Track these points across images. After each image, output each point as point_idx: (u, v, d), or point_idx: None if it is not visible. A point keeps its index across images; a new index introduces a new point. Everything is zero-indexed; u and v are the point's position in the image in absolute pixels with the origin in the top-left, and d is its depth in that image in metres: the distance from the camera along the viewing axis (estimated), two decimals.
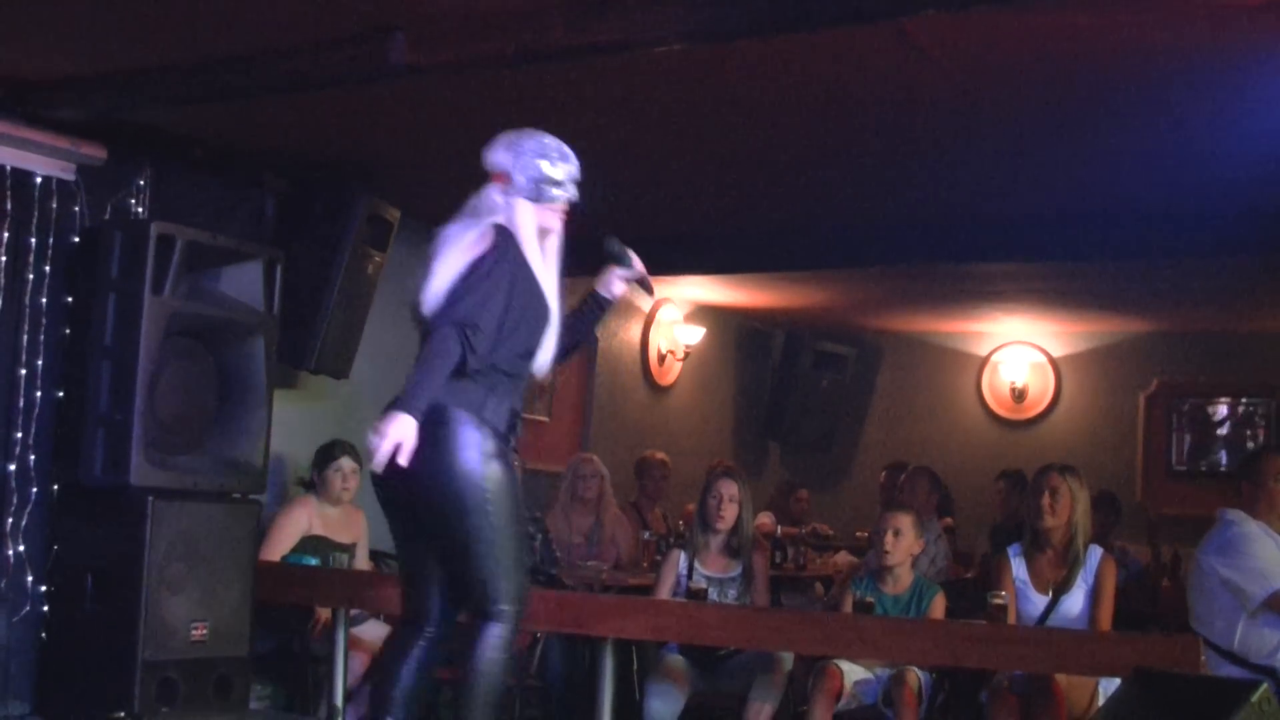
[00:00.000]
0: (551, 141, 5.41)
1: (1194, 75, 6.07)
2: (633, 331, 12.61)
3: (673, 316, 13.00)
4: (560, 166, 5.38)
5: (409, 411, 5.04)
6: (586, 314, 5.73)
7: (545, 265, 5.41)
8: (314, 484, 8.28)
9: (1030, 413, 13.86)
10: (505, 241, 5.25)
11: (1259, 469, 6.79)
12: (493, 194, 5.37)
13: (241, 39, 6.30)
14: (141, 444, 6.93)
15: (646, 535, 9.96)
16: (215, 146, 8.08)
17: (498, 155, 5.41)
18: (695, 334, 13.08)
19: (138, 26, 6.21)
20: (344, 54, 6.16)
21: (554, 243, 5.48)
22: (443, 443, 5.18)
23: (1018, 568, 7.13)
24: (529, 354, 5.40)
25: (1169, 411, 13.25)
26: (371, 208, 8.40)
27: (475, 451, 5.19)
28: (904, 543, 7.40)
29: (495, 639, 5.25)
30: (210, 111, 7.27)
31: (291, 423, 8.51)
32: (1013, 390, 13.90)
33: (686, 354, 13.15)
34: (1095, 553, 7.08)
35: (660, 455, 11.05)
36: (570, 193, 5.42)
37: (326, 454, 8.25)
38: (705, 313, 13.30)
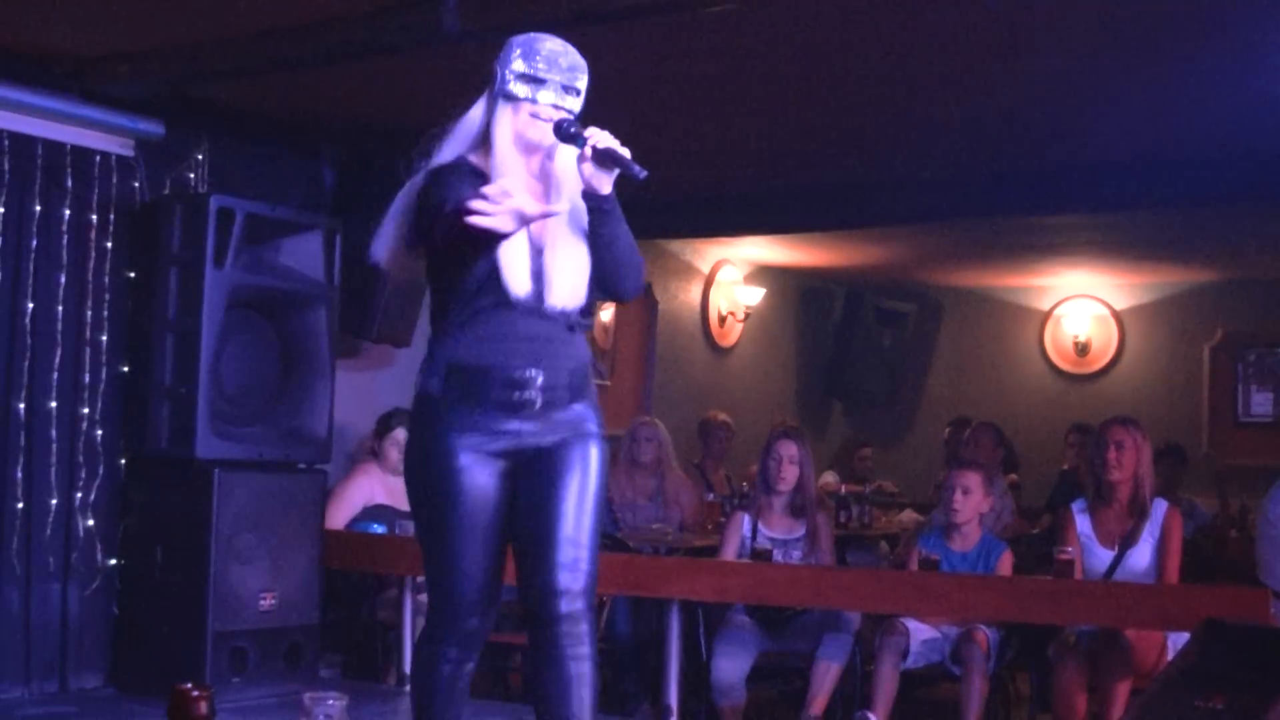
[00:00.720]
0: (541, 36, 4.48)
1: (1249, 18, 6.01)
2: (693, 293, 12.61)
3: (732, 277, 12.98)
4: (536, 61, 4.38)
5: None
6: (589, 224, 4.41)
7: (529, 184, 4.36)
8: (376, 453, 8.32)
9: (1094, 366, 13.79)
10: (435, 177, 4.49)
11: None
12: (478, 103, 4.57)
13: (294, 9, 6.30)
14: (206, 416, 6.98)
15: (711, 497, 9.95)
16: (272, 118, 8.11)
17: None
18: (755, 294, 13.05)
19: (191, 2, 6.23)
20: (397, 21, 6.16)
21: (558, 165, 4.46)
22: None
23: (1083, 522, 7.10)
24: (485, 284, 4.32)
25: (1234, 361, 13.15)
26: None
27: (417, 436, 4.52)
28: (972, 501, 7.38)
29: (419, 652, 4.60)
30: (265, 83, 7.30)
31: (355, 392, 8.55)
32: (1075, 344, 13.83)
33: (747, 315, 13.13)
34: (1161, 506, 7.04)
35: (723, 416, 11.05)
36: (551, 94, 4.37)
37: (385, 424, 8.28)
38: (765, 273, 13.27)
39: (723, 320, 12.98)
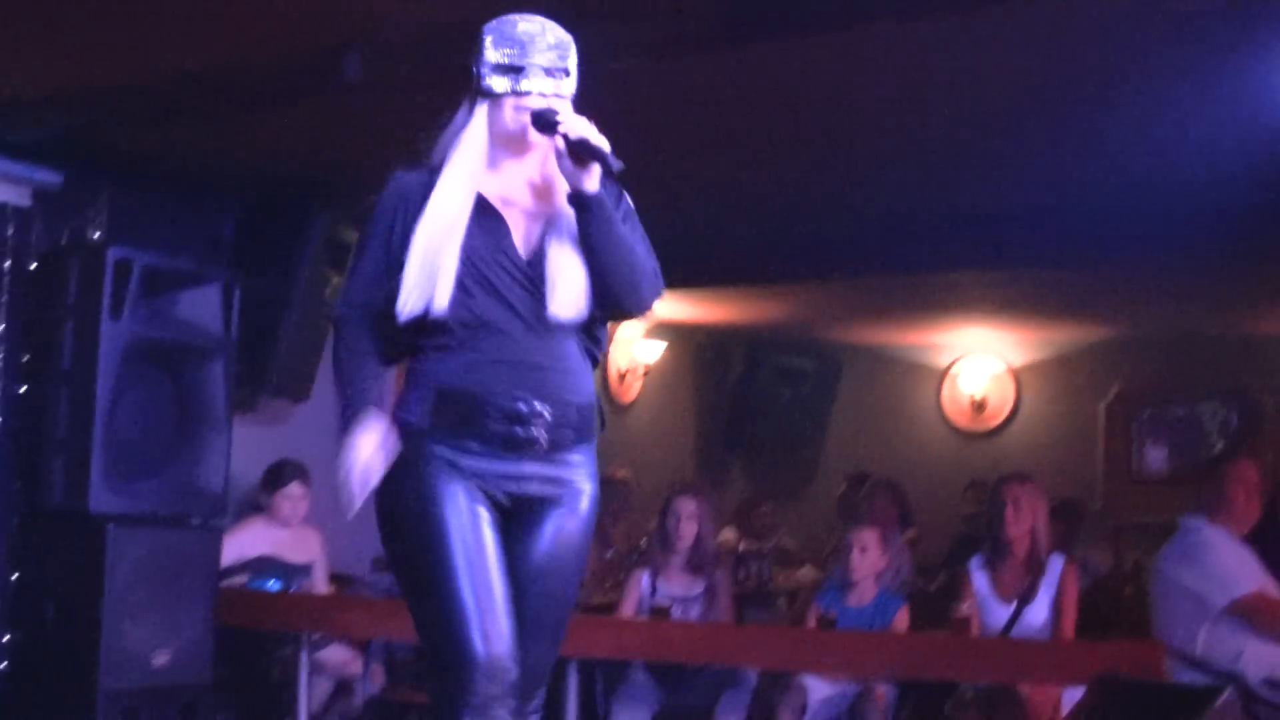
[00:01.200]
0: (513, 16, 3.90)
1: (1155, 75, 6.10)
2: None
3: (632, 334, 12.99)
4: (510, 47, 3.83)
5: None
6: (577, 227, 3.83)
7: (529, 186, 3.91)
8: (262, 506, 8.25)
9: (990, 423, 13.88)
10: (389, 191, 4.06)
11: (1219, 475, 6.82)
12: (460, 113, 4.02)
13: (197, 58, 6.27)
14: (101, 470, 6.90)
15: (609, 554, 9.93)
16: (172, 168, 8.05)
17: None
18: (655, 350, 13.05)
19: (91, 47, 6.19)
20: (300, 71, 6.15)
21: (541, 162, 3.93)
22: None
23: (980, 579, 7.14)
24: (420, 301, 3.74)
25: (1129, 418, 13.26)
26: (329, 229, 8.38)
27: (397, 478, 3.80)
28: (869, 559, 7.41)
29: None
30: (167, 132, 7.26)
31: (251, 445, 8.47)
32: (972, 401, 13.92)
33: (647, 371, 13.13)
34: (1057, 562, 7.09)
35: (622, 473, 11.03)
36: (536, 81, 3.82)
37: (275, 477, 8.22)
38: (664, 329, 13.28)
39: (622, 377, 12.96)
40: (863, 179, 8.00)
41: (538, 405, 3.77)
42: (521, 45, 3.82)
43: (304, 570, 8.16)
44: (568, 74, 3.89)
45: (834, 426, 14.67)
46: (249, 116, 6.87)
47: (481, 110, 3.89)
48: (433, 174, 3.92)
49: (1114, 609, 9.45)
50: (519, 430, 3.76)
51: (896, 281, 10.54)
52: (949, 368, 14.09)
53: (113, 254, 6.99)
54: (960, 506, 11.39)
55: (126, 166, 7.84)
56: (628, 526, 10.96)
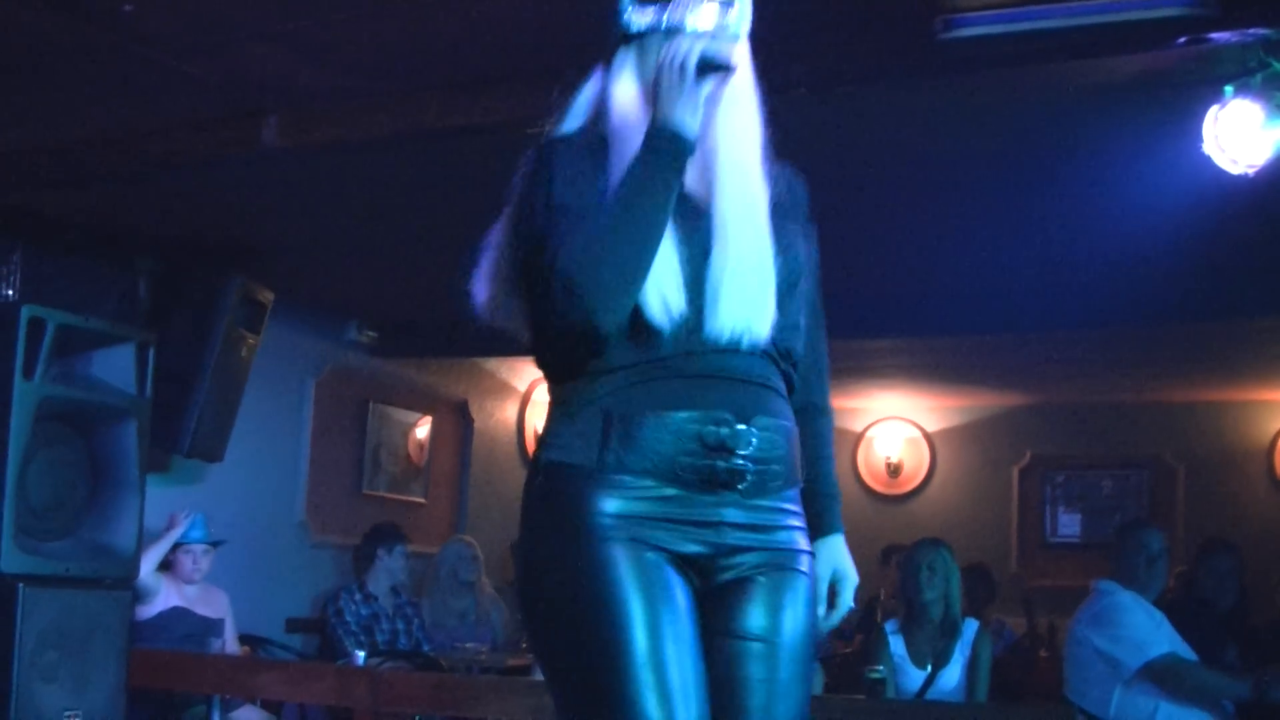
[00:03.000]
0: None
1: (1065, 151, 6.19)
2: (509, 411, 12.57)
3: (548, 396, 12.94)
4: None
5: None
6: None
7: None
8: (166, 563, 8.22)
9: (905, 488, 13.93)
10: (546, 150, 3.02)
11: (1130, 540, 6.87)
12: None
13: (113, 120, 6.26)
14: (12, 530, 6.82)
15: (521, 616, 9.90)
16: (87, 228, 8.02)
17: None
18: None
19: (6, 110, 6.17)
20: (216, 135, 6.14)
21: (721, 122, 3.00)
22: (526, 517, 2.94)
23: (895, 643, 7.17)
24: (640, 316, 2.81)
25: (1043, 484, 13.38)
26: (244, 290, 8.36)
27: (551, 533, 2.84)
28: None
29: None
30: (82, 193, 7.23)
31: (165, 506, 8.41)
32: (888, 465, 13.97)
33: None
34: (971, 626, 7.14)
35: None
36: (699, 11, 2.89)
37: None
38: None
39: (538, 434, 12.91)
40: None
41: (740, 427, 2.83)
42: None
43: (216, 625, 8.12)
44: (733, 4, 2.95)
45: None
46: (165, 180, 6.86)
47: (624, 60, 3.00)
48: (602, 141, 2.97)
49: (1028, 672, 9.50)
50: (721, 462, 2.82)
51: None
52: (864, 431, 14.14)
53: (26, 313, 6.93)
54: (874, 570, 11.42)
55: (40, 226, 7.80)
56: None
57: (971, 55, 4.89)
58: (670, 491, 2.80)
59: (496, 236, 3.15)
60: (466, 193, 7.06)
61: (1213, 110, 5.09)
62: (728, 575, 2.89)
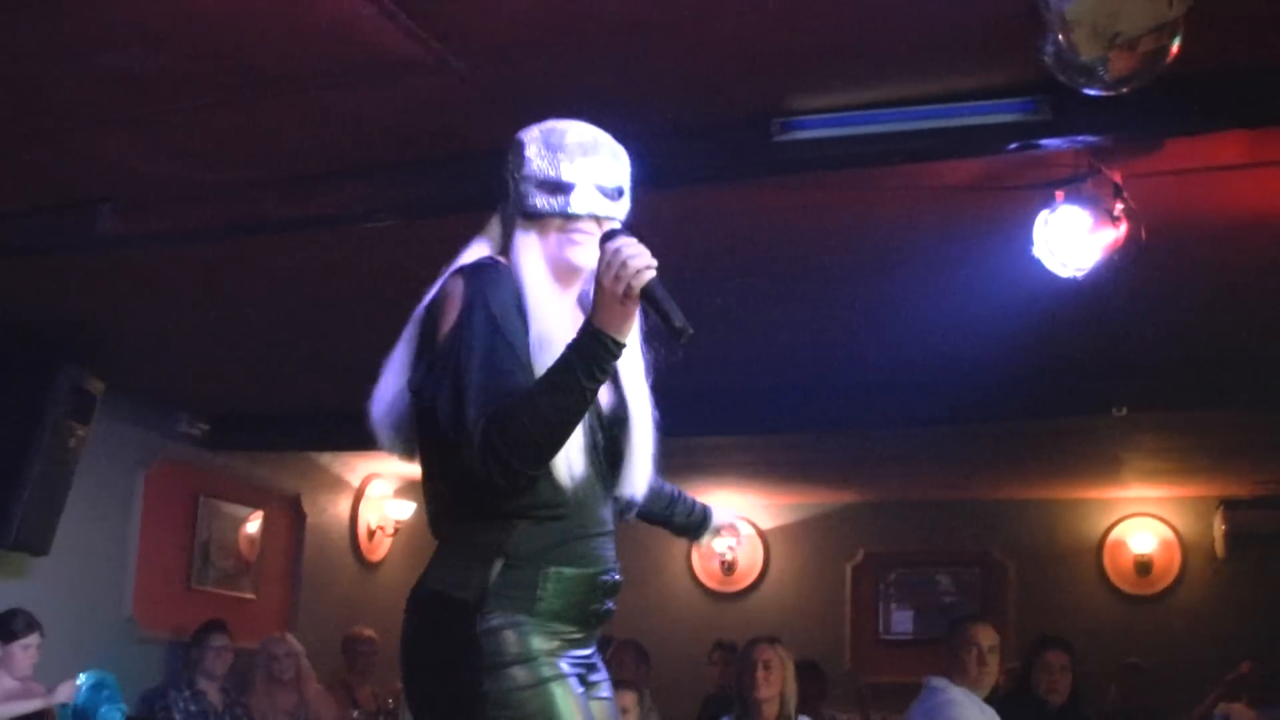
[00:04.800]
0: (563, 123, 3.36)
1: (897, 250, 6.28)
2: (342, 506, 12.47)
3: (383, 491, 12.88)
4: (564, 158, 3.28)
5: None
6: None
7: (572, 319, 3.23)
8: None
9: (740, 585, 13.94)
10: (482, 282, 3.22)
11: (961, 637, 6.92)
12: (490, 223, 3.44)
13: None
14: None
15: (355, 714, 9.80)
16: None
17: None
18: (406, 509, 12.94)
19: None
20: (50, 221, 6.06)
21: (580, 296, 3.41)
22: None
23: None
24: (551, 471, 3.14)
25: (876, 580, 13.49)
26: (74, 379, 8.24)
27: (508, 689, 3.13)
28: None
29: None
30: None
31: None
32: (722, 563, 13.98)
33: (397, 529, 13.00)
34: None
35: (369, 632, 10.91)
36: (588, 201, 3.27)
37: (8, 628, 7.97)
38: (415, 487, 13.10)
39: (372, 534, 12.83)
40: None
41: (619, 579, 3.35)
42: (576, 155, 3.29)
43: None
44: (622, 194, 3.36)
45: None
46: None
47: (526, 238, 3.31)
48: (515, 285, 3.23)
49: None
50: (607, 606, 3.33)
51: None
52: None
53: None
54: (705, 668, 11.46)
55: None
56: (374, 687, 10.83)
57: (808, 156, 4.97)
58: (576, 634, 3.27)
59: (402, 357, 3.39)
60: (304, 286, 7.05)
61: (1043, 214, 5.20)
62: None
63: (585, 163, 3.28)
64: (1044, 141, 4.80)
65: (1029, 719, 7.02)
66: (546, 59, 4.65)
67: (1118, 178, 5.15)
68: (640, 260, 2.99)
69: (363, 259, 6.65)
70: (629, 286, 2.97)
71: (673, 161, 5.13)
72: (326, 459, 12.04)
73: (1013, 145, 4.83)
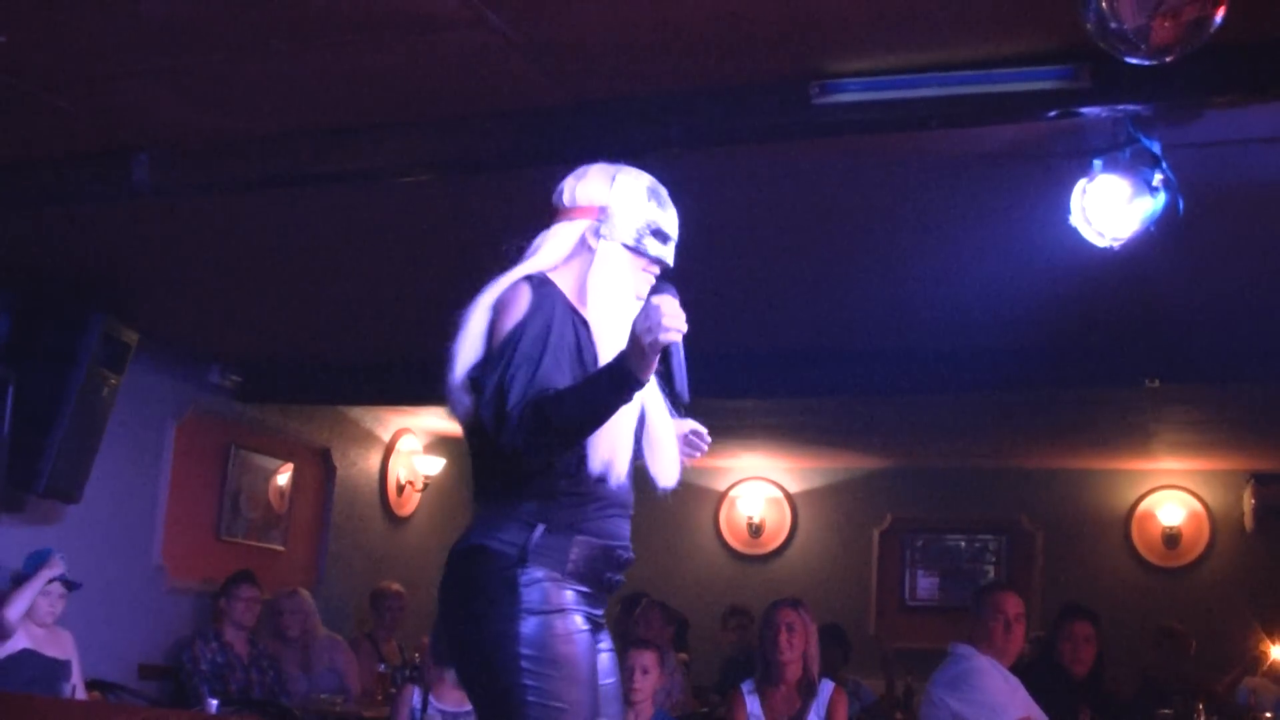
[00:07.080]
0: (656, 182, 3.97)
1: (931, 215, 6.25)
2: (372, 461, 12.51)
3: (413, 447, 12.92)
4: (667, 214, 3.93)
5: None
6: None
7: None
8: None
9: (767, 547, 13.97)
10: (543, 296, 3.76)
11: (987, 604, 6.91)
12: (569, 231, 3.94)
13: None
14: None
15: (382, 667, 9.83)
16: None
17: (588, 184, 3.95)
18: (435, 465, 12.99)
19: None
20: (86, 171, 6.06)
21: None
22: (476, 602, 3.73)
23: (752, 703, 7.17)
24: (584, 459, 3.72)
25: (902, 546, 13.50)
26: (107, 328, 8.25)
27: (544, 631, 3.67)
28: (650, 680, 7.40)
29: None
30: None
31: (19, 547, 8.27)
32: (750, 525, 14.01)
33: (426, 484, 13.05)
34: (827, 686, 7.16)
35: (396, 586, 10.95)
36: (670, 252, 3.96)
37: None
38: (445, 443, 13.22)
39: (401, 489, 12.88)
40: None
41: (630, 554, 3.97)
42: (672, 215, 3.96)
43: (64, 667, 7.97)
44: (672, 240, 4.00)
45: None
46: (31, 214, 6.76)
47: (621, 262, 3.90)
48: (565, 301, 3.84)
49: None
50: (619, 577, 3.92)
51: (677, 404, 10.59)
52: (727, 491, 14.17)
53: None
54: (719, 632, 11.52)
55: None
56: (401, 640, 10.87)
57: (846, 120, 4.95)
58: (594, 596, 3.82)
59: (473, 339, 3.81)
60: (337, 239, 7.05)
61: (1081, 183, 5.16)
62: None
63: (671, 218, 3.96)
64: (1083, 110, 4.76)
65: (1051, 689, 7.00)
66: (585, 19, 4.63)
67: (1157, 148, 5.11)
68: (673, 323, 3.40)
69: (398, 214, 6.65)
70: (655, 341, 3.38)
71: (711, 123, 5.13)
72: (357, 413, 12.07)
73: (1052, 113, 4.80)
